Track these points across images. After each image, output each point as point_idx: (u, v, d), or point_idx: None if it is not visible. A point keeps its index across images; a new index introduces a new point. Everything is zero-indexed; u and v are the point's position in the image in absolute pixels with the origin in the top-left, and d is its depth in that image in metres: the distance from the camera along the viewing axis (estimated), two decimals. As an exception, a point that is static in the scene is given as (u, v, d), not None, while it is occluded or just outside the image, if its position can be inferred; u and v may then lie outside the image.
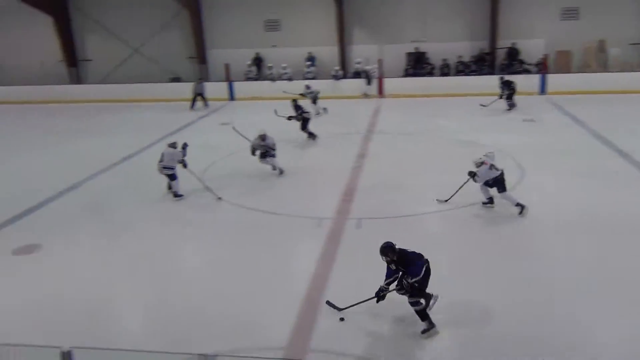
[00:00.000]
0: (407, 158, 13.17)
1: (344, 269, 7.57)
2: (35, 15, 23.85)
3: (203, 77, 23.85)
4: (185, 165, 10.52)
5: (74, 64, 25.49)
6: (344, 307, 6.30)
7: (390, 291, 6.00)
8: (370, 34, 23.81)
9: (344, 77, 23.09)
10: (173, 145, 10.52)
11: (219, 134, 16.05)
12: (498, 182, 9.20)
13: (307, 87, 18.70)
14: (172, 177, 10.53)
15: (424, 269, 5.78)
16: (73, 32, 25.34)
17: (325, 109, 18.63)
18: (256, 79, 23.65)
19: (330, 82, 22.54)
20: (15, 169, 13.53)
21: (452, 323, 6.15)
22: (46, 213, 10.29)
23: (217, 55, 24.42)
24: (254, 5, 23.93)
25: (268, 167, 11.91)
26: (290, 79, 22.75)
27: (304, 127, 15.07)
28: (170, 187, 10.75)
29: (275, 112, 15.23)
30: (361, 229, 9.04)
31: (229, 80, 23.07)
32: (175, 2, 23.21)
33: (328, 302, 6.39)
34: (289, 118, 14.96)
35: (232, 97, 22.88)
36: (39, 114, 21.77)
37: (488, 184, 9.30)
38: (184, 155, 10.54)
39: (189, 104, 20.96)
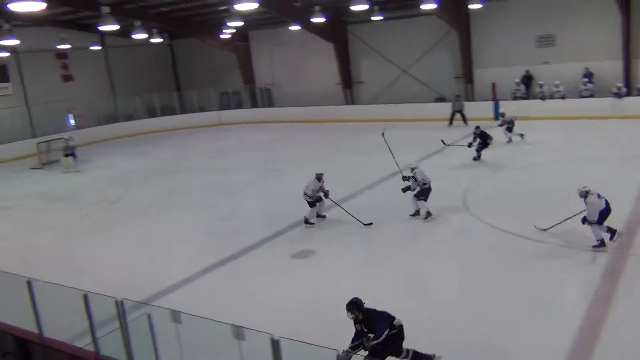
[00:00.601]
0: None
1: (623, 312, 6.69)
2: (320, 43, 26.64)
3: (465, 95, 23.67)
4: (326, 195, 11.01)
5: (349, 86, 27.71)
6: None
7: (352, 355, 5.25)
8: (664, 44, 20.75)
9: (628, 94, 20.53)
10: (317, 177, 10.91)
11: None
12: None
13: (502, 115, 17.95)
14: (310, 204, 10.99)
15: (386, 332, 5.23)
16: (350, 56, 27.59)
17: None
18: (524, 98, 22.52)
19: (611, 100, 20.29)
20: (294, 180, 15.19)
21: None
22: (319, 222, 11.28)
23: (483, 74, 23.99)
24: (527, 21, 22.80)
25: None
26: (563, 97, 21.15)
27: (480, 149, 15.20)
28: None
29: (443, 142, 15.46)
30: (646, 267, 7.93)
31: (495, 99, 22.45)
32: (445, 23, 23.52)
33: None
34: (469, 145, 15.09)
35: (497, 117, 22.14)
36: (320, 131, 24.19)
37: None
38: (319, 189, 10.88)
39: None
